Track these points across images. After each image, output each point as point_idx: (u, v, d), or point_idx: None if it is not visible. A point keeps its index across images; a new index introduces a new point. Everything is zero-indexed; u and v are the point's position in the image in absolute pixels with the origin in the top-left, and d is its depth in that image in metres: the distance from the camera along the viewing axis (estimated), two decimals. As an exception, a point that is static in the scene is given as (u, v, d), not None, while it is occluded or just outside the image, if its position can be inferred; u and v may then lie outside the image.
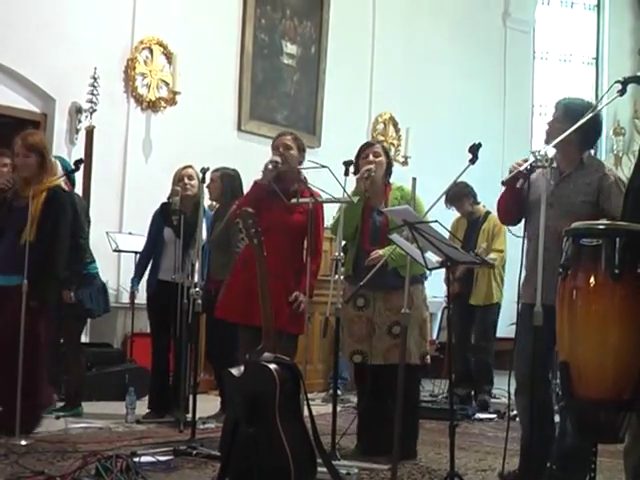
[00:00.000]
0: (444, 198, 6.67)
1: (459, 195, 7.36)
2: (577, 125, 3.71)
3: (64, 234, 5.36)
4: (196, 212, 5.58)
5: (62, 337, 6.33)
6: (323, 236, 5.28)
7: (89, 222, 6.51)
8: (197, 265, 5.49)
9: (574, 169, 4.22)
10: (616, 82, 3.54)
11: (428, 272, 4.81)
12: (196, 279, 5.43)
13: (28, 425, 5.10)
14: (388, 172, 5.17)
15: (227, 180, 6.36)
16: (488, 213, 7.47)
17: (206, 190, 6.23)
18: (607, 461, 4.37)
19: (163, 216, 6.30)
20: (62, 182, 6.17)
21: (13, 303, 5.05)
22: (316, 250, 5.11)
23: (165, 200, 6.35)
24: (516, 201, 4.29)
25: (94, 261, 6.36)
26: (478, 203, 7.58)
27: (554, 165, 3.93)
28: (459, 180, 4.70)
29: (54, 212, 5.27)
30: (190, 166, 6.30)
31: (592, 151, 4.36)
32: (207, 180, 6.04)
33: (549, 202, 3.91)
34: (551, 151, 4.02)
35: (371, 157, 5.08)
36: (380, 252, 4.89)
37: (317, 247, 5.13)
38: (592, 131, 4.17)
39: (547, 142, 4.12)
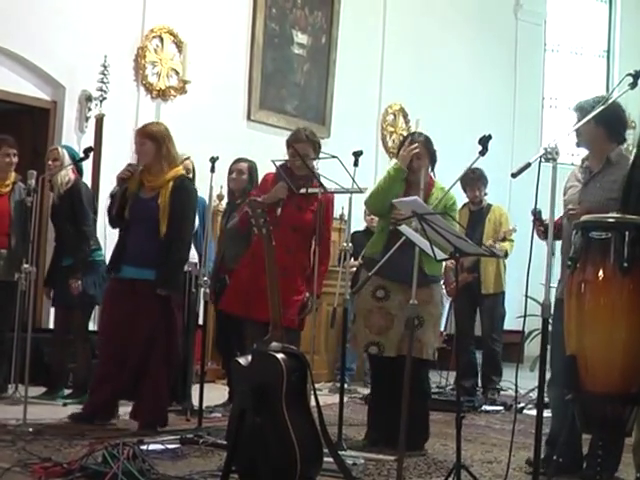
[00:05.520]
0: (460, 183, 6.65)
1: (480, 176, 7.28)
2: (590, 116, 3.70)
3: (190, 221, 5.36)
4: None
5: (69, 326, 6.36)
6: (331, 238, 5.21)
7: (95, 210, 6.57)
8: (205, 255, 5.48)
9: (602, 167, 4.20)
10: (627, 75, 3.53)
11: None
12: (204, 269, 5.43)
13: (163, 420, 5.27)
14: (432, 165, 5.15)
15: (254, 171, 6.34)
16: (490, 205, 7.44)
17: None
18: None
19: None
20: (69, 170, 6.22)
21: (144, 296, 5.12)
22: (326, 251, 5.11)
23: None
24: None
25: (99, 248, 6.39)
26: (486, 194, 7.53)
27: (586, 164, 3.97)
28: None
29: (180, 200, 5.19)
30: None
31: (622, 147, 4.31)
32: (233, 172, 6.19)
33: (579, 200, 3.92)
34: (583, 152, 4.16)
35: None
36: None
37: (327, 249, 5.13)
38: (616, 124, 4.14)
39: (578, 145, 4.25)
